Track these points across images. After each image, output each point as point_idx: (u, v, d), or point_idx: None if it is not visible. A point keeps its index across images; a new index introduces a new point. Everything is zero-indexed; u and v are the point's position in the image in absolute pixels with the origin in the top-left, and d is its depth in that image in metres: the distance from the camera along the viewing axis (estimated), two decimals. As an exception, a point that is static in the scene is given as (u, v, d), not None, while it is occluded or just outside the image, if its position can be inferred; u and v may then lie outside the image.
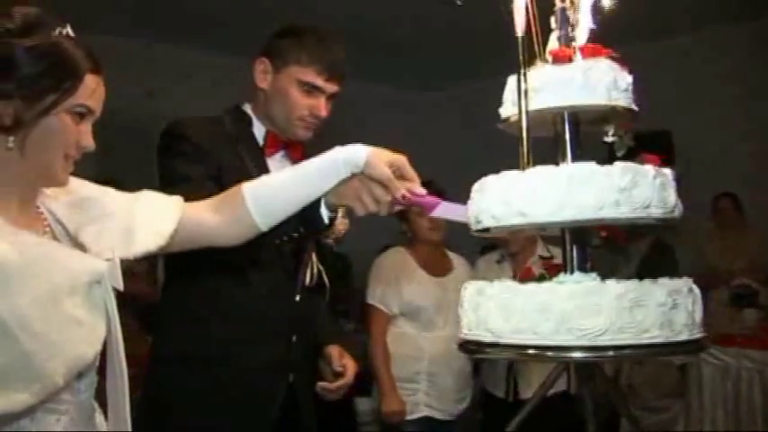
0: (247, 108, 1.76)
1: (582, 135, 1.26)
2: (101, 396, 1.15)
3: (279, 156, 1.72)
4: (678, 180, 1.15)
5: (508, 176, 1.14)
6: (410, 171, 1.27)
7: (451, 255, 3.09)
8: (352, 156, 1.26)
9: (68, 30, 1.12)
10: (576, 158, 1.23)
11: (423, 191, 1.26)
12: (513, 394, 3.11)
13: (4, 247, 0.98)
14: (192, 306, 1.65)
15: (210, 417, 1.58)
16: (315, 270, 1.71)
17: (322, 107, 1.68)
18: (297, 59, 1.66)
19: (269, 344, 1.65)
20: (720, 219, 4.89)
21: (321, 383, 1.75)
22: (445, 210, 1.27)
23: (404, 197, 1.25)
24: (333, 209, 1.31)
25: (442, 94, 6.98)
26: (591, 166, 1.10)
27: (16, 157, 1.07)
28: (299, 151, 1.72)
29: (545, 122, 1.25)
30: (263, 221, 1.28)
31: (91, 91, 1.11)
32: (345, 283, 5.02)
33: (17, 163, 1.08)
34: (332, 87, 1.69)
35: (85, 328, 1.05)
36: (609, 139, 1.31)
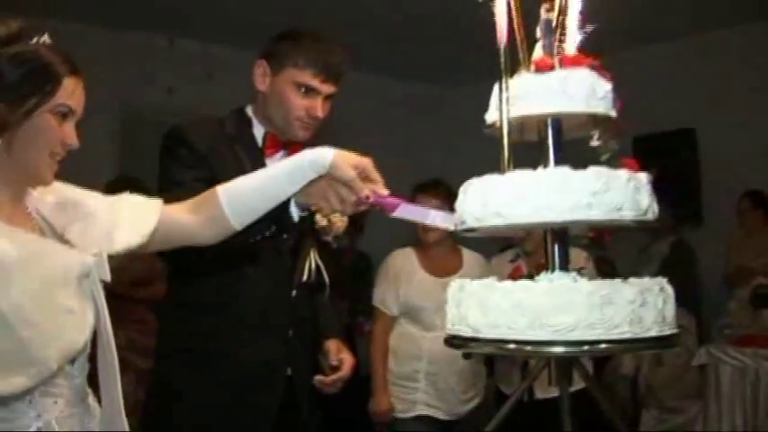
0: (248, 110, 1.85)
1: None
2: (93, 381, 1.25)
3: (279, 156, 1.79)
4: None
5: (489, 179, 1.20)
6: (374, 173, 1.36)
7: (466, 253, 3.10)
8: (318, 158, 1.34)
9: (46, 38, 1.22)
10: (558, 162, 1.28)
11: (385, 192, 1.34)
12: (527, 394, 3.16)
13: (3, 243, 1.08)
14: (193, 303, 1.74)
15: (211, 409, 1.67)
16: (313, 266, 1.79)
17: (318, 108, 1.76)
18: (294, 62, 1.74)
19: (266, 339, 1.73)
20: (743, 218, 4.87)
21: (318, 377, 1.83)
22: (405, 211, 1.35)
23: (367, 197, 1.33)
24: (303, 208, 1.39)
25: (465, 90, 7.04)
26: (565, 170, 1.16)
27: (4, 157, 1.17)
28: (299, 151, 1.79)
29: (530, 128, 1.31)
30: (237, 221, 1.36)
31: (70, 92, 1.21)
32: (366, 283, 5.09)
33: (5, 163, 1.18)
34: (328, 88, 1.76)
35: (77, 317, 1.15)
36: (594, 143, 1.37)
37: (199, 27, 5.19)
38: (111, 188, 3.40)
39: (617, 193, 1.14)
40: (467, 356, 2.17)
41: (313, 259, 1.79)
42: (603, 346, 1.14)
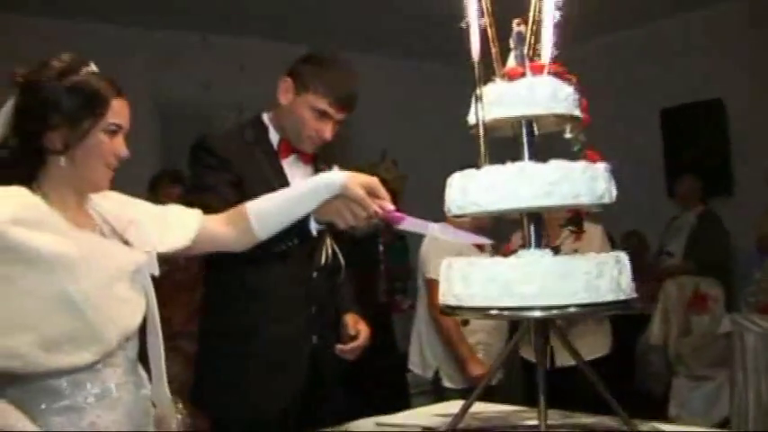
0: (265, 117, 2.10)
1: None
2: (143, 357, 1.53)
3: (292, 158, 2.06)
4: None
5: (468, 173, 1.42)
6: (381, 190, 1.60)
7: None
8: (331, 181, 1.59)
9: (93, 66, 1.47)
10: (531, 156, 1.50)
11: (392, 207, 1.58)
12: (549, 362, 3.38)
13: (67, 242, 1.35)
14: (227, 289, 2.01)
15: (248, 379, 1.95)
16: (330, 252, 2.05)
17: (329, 132, 2.01)
18: (315, 89, 1.98)
19: (292, 316, 2.00)
20: (772, 188, 4.93)
21: (338, 345, 2.08)
22: (409, 223, 1.59)
23: (376, 213, 1.57)
24: (320, 222, 1.65)
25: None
26: (528, 164, 1.38)
27: (69, 170, 1.43)
28: (309, 155, 2.08)
29: (506, 126, 1.53)
30: (262, 233, 1.64)
31: (117, 111, 1.46)
32: (403, 263, 5.34)
33: (70, 175, 1.43)
34: (340, 115, 2.01)
35: (131, 305, 1.43)
36: (567, 136, 1.58)
37: (230, 23, 5.45)
38: (155, 182, 3.70)
39: (573, 183, 1.35)
40: (465, 323, 2.41)
41: (329, 246, 2.05)
42: (572, 310, 1.36)
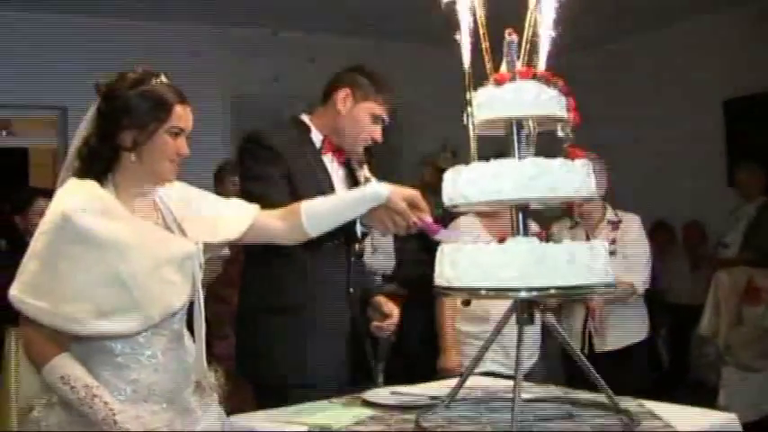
0: (305, 118, 2.32)
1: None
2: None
3: (330, 155, 2.30)
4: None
5: (459, 169, 1.60)
6: (422, 203, 1.84)
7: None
8: (377, 193, 1.84)
9: (163, 78, 1.72)
10: (522, 152, 1.65)
11: (429, 219, 1.83)
12: (588, 347, 3.50)
13: (125, 229, 1.60)
14: (272, 269, 2.22)
15: (293, 351, 2.16)
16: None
17: (379, 134, 2.29)
18: (375, 98, 2.26)
19: (332, 295, 2.22)
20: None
21: (374, 323, 2.29)
22: (443, 234, 1.80)
23: (415, 223, 1.83)
24: (364, 226, 1.93)
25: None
26: (510, 161, 1.54)
27: (138, 165, 1.69)
28: (342, 155, 2.32)
29: (499, 125, 1.68)
30: (312, 232, 1.88)
31: (179, 116, 1.71)
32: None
33: (138, 169, 1.70)
34: (387, 120, 2.30)
35: (177, 288, 1.66)
36: (560, 134, 1.72)
37: (299, 18, 5.69)
38: (220, 170, 4.00)
39: (550, 177, 1.50)
40: (466, 303, 2.56)
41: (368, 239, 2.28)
42: (553, 291, 1.52)
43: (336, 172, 2.31)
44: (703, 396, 4.76)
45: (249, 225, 1.86)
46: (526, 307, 1.62)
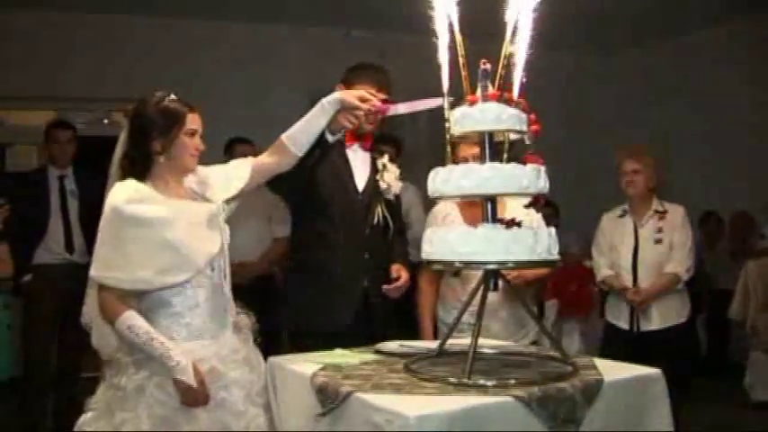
0: None
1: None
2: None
3: (355, 146, 2.84)
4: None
5: (438, 169, 2.08)
6: (370, 97, 2.42)
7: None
8: (332, 98, 2.43)
9: (172, 96, 2.27)
10: (492, 158, 2.11)
11: (379, 104, 2.40)
12: (637, 326, 3.91)
13: (163, 209, 2.15)
14: (303, 238, 2.83)
15: (316, 304, 2.74)
16: (381, 215, 2.81)
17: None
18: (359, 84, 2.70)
19: (349, 259, 2.76)
20: None
21: (384, 285, 2.79)
22: (400, 108, 2.30)
23: (369, 110, 2.42)
24: (333, 132, 2.55)
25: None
26: (472, 165, 2.02)
27: (167, 164, 2.25)
28: (369, 141, 2.85)
29: (474, 137, 2.16)
30: (297, 150, 2.41)
31: (191, 120, 2.27)
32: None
33: (167, 165, 2.25)
34: (381, 95, 2.66)
35: (210, 239, 2.23)
36: (527, 142, 2.17)
37: (371, 17, 6.25)
38: (229, 144, 4.75)
39: (501, 179, 1.96)
40: (456, 274, 3.03)
41: (379, 210, 2.81)
42: (511, 264, 1.99)
43: (362, 160, 2.84)
44: (736, 375, 5.03)
45: (250, 171, 2.41)
46: (492, 274, 2.09)
